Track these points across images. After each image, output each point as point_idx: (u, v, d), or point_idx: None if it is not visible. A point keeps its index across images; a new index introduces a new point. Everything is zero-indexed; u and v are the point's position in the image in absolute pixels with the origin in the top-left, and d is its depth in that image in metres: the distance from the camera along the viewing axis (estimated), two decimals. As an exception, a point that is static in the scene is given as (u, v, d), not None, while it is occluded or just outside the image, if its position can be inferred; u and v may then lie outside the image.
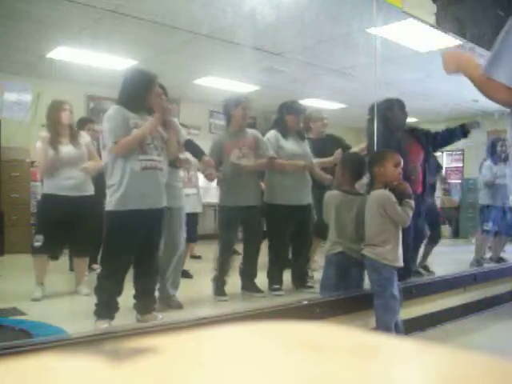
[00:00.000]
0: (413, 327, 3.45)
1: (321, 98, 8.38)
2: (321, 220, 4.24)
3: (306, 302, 3.07)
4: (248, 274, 3.90)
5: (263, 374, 0.27)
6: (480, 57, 5.66)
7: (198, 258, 5.53)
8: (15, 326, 2.75)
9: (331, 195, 3.38)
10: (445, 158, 9.81)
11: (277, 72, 6.77)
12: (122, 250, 2.85)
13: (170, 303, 3.44)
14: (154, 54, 6.08)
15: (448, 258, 7.02)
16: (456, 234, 9.15)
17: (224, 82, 7.30)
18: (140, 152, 2.80)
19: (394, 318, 3.07)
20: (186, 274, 4.67)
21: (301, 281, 4.14)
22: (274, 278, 4.01)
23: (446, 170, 9.96)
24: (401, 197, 3.03)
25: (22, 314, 3.17)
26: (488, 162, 5.64)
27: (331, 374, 0.27)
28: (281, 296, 3.88)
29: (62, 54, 5.86)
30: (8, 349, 1.97)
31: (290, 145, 4.04)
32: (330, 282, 3.32)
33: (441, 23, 4.76)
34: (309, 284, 4.14)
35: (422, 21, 4.69)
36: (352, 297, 3.35)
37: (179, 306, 3.44)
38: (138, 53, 5.98)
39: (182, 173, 4.46)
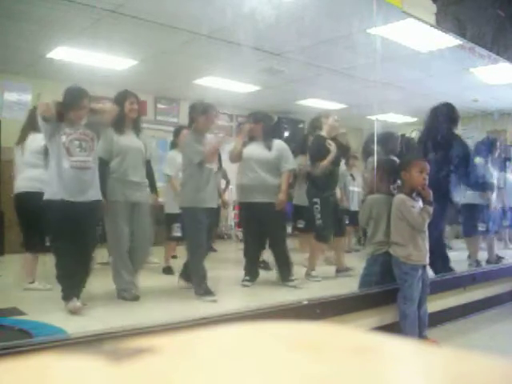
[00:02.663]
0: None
1: (321, 98, 8.37)
2: (322, 224, 4.43)
3: (306, 302, 3.07)
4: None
5: (263, 374, 0.27)
6: (480, 57, 5.68)
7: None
8: (15, 326, 2.75)
9: (375, 198, 3.63)
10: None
11: (277, 72, 6.77)
12: (60, 236, 3.28)
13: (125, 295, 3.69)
14: (154, 53, 6.08)
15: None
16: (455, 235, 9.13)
17: (224, 82, 7.30)
18: (68, 153, 3.30)
19: (412, 309, 3.28)
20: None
21: (282, 276, 4.33)
22: (246, 271, 4.32)
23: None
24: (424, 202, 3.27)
25: (22, 314, 3.17)
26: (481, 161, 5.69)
27: (331, 373, 0.27)
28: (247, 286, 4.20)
29: (62, 53, 5.86)
30: (8, 349, 1.97)
31: (250, 150, 4.36)
32: (373, 279, 3.58)
33: (441, 23, 4.76)
34: (291, 278, 4.29)
35: (422, 21, 4.68)
36: (352, 297, 3.35)
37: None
38: (137, 53, 5.98)
39: (181, 174, 4.62)
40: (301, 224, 5.27)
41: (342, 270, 4.81)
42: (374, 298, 3.42)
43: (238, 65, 6.46)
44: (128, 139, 3.78)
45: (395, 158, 4.22)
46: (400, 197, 3.29)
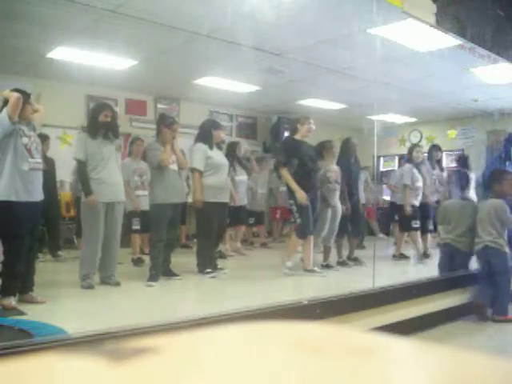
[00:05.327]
0: (413, 327, 3.45)
1: (321, 98, 8.37)
2: (302, 221, 4.85)
3: (306, 302, 3.07)
4: (166, 261, 4.62)
5: (263, 374, 0.27)
6: (480, 57, 5.70)
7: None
8: (15, 326, 2.75)
9: (448, 202, 4.87)
10: (445, 158, 9.80)
11: (277, 72, 6.77)
12: (16, 236, 3.37)
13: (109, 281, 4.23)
14: (154, 53, 6.08)
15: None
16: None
17: (224, 82, 7.30)
18: (29, 155, 3.43)
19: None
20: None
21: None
22: (206, 263, 4.76)
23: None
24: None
25: (22, 314, 3.17)
26: (408, 165, 6.18)
27: (331, 373, 0.27)
28: (215, 278, 4.65)
29: (62, 54, 5.86)
30: (8, 349, 1.97)
31: (215, 155, 4.89)
32: (441, 262, 4.66)
33: (441, 23, 4.76)
34: (219, 267, 4.93)
35: (422, 21, 4.68)
36: (352, 297, 3.36)
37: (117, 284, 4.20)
38: (137, 53, 5.98)
39: (136, 178, 5.59)
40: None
41: (308, 270, 4.93)
42: (374, 298, 3.42)
43: (237, 65, 6.46)
44: (101, 144, 4.17)
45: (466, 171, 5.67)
46: (501, 202, 4.16)
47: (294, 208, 4.78)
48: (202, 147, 4.82)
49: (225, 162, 5.01)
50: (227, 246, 6.39)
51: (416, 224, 5.97)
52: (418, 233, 6.05)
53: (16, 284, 3.43)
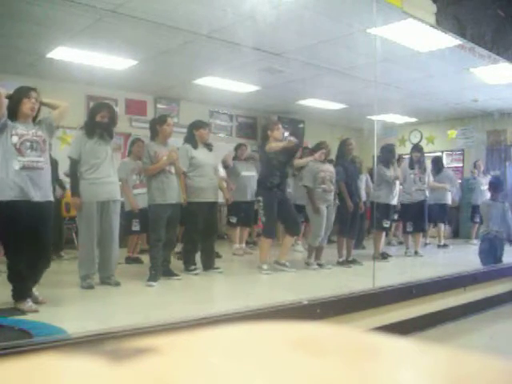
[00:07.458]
0: (413, 327, 3.45)
1: (321, 98, 8.37)
2: (266, 220, 5.01)
3: (306, 302, 3.07)
4: (166, 261, 4.67)
5: (263, 374, 0.27)
6: (480, 57, 5.69)
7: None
8: (15, 326, 2.75)
9: (486, 202, 6.08)
10: (445, 158, 9.80)
11: (277, 72, 6.77)
12: (10, 238, 3.34)
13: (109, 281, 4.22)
14: (154, 53, 6.08)
15: (448, 257, 7.03)
16: (456, 234, 9.14)
17: (224, 82, 7.30)
18: (18, 154, 3.32)
19: None
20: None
21: (208, 264, 4.99)
22: (190, 260, 4.90)
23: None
24: None
25: (22, 314, 3.17)
26: (380, 166, 6.28)
27: (331, 374, 0.27)
28: (197, 274, 4.81)
29: (62, 53, 5.86)
30: (8, 349, 1.97)
31: (202, 154, 4.98)
32: (486, 253, 5.58)
33: (441, 23, 4.76)
34: (215, 266, 5.00)
35: (422, 21, 4.68)
36: (352, 297, 3.36)
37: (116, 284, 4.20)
38: (137, 53, 5.98)
39: (134, 177, 5.65)
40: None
41: (280, 264, 5.11)
42: (374, 298, 3.42)
43: (237, 65, 6.46)
44: (96, 143, 4.17)
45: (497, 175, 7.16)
46: None
47: (261, 205, 4.99)
48: (184, 147, 4.97)
49: (210, 161, 5.05)
50: (237, 245, 6.53)
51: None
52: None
53: (27, 285, 3.39)
